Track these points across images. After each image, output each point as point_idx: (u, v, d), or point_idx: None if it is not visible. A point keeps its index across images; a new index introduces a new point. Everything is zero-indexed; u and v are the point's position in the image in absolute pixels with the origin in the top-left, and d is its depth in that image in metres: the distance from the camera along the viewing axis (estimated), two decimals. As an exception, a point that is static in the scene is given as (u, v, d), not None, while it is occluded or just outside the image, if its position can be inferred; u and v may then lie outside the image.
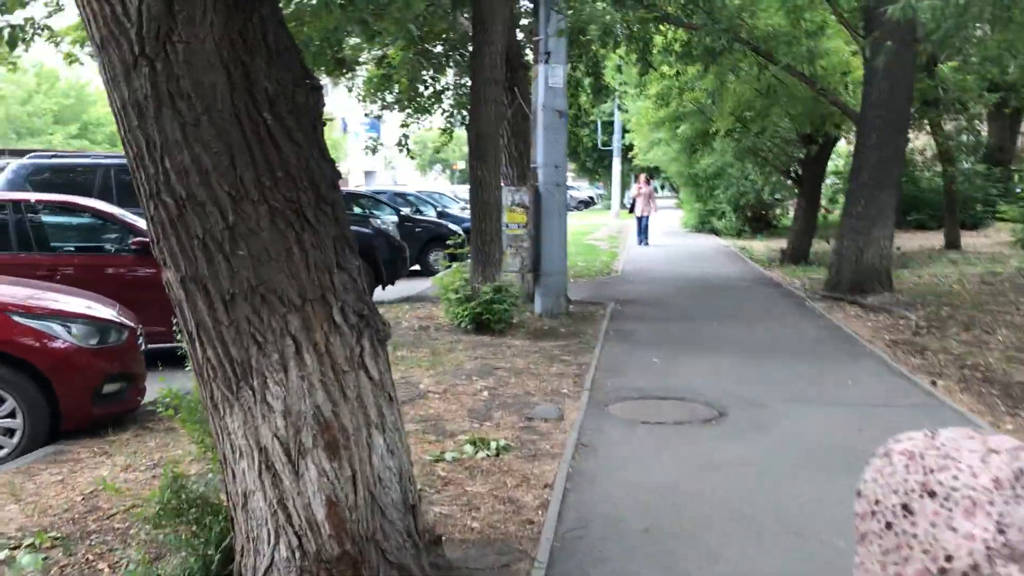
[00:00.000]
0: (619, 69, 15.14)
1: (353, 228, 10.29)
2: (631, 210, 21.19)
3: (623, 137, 36.35)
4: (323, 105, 3.10)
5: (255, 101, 2.81)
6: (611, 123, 39.43)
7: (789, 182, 20.78)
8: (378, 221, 12.35)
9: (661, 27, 13.37)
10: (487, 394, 6.27)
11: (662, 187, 65.00)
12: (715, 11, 11.21)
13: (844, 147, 22.56)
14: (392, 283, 11.87)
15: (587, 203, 56.72)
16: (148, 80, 2.74)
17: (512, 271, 10.11)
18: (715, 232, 26.15)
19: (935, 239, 22.55)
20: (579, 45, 13.07)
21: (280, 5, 8.69)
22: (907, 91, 10.84)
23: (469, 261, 9.58)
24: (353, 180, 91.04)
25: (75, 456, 4.90)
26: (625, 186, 58.50)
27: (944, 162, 19.82)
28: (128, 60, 2.75)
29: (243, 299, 2.83)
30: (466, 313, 8.85)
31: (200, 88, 2.75)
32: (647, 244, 21.15)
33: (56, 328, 5.23)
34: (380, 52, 10.88)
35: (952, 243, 19.29)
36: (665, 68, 14.72)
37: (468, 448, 4.91)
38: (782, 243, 21.88)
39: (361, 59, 10.89)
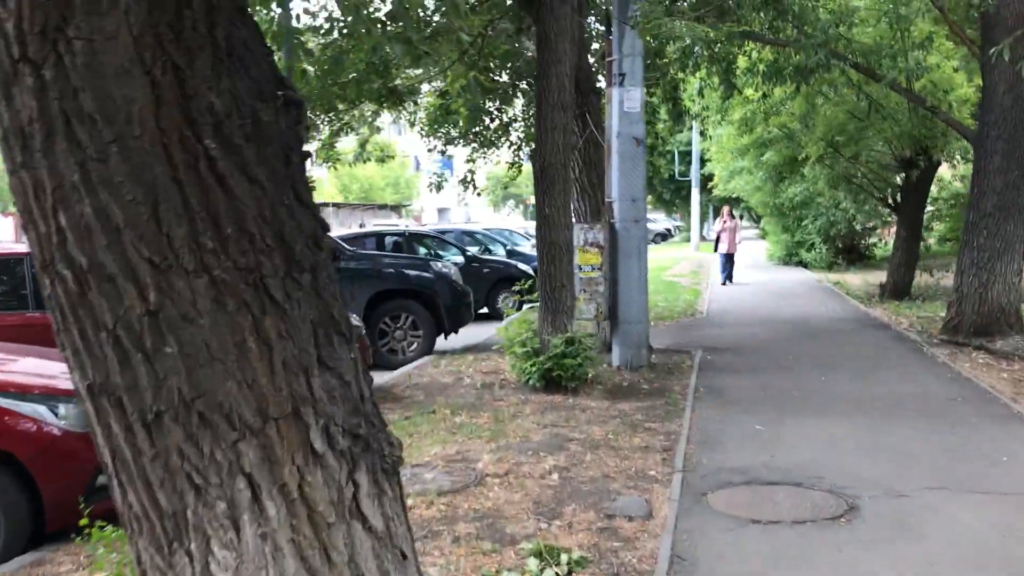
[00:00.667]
0: (700, 93, 14.04)
1: (412, 272, 9.26)
2: (716, 248, 19.47)
3: (702, 167, 35.06)
4: (303, 127, 2.14)
5: (192, 123, 1.87)
6: (688, 152, 38.21)
7: (886, 210, 19.25)
8: (438, 264, 11.44)
9: (746, 46, 12.27)
10: (557, 477, 5.21)
11: (742, 217, 63.16)
12: (808, 23, 10.06)
13: (945, 171, 20.91)
14: (455, 331, 10.94)
15: (664, 236, 55.28)
16: (33, 96, 1.83)
17: (586, 318, 9.07)
18: (804, 265, 24.59)
19: None
20: (656, 68, 12.06)
21: (319, 37, 7.83)
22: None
23: (537, 308, 8.56)
24: (427, 218, 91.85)
25: (55, 571, 4.03)
26: (704, 217, 56.90)
27: None
28: (6, 68, 1.85)
29: (173, 420, 1.87)
30: (534, 369, 7.82)
31: (108, 106, 1.82)
32: (731, 283, 19.50)
33: (41, 411, 4.40)
34: (438, 80, 10.04)
35: None
36: (750, 91, 13.57)
37: (532, 563, 3.86)
38: (880, 276, 20.27)
39: (422, 88, 10.05)
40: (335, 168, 12.52)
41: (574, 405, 7.32)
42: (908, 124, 15.00)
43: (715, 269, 23.78)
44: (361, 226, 68.65)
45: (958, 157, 15.96)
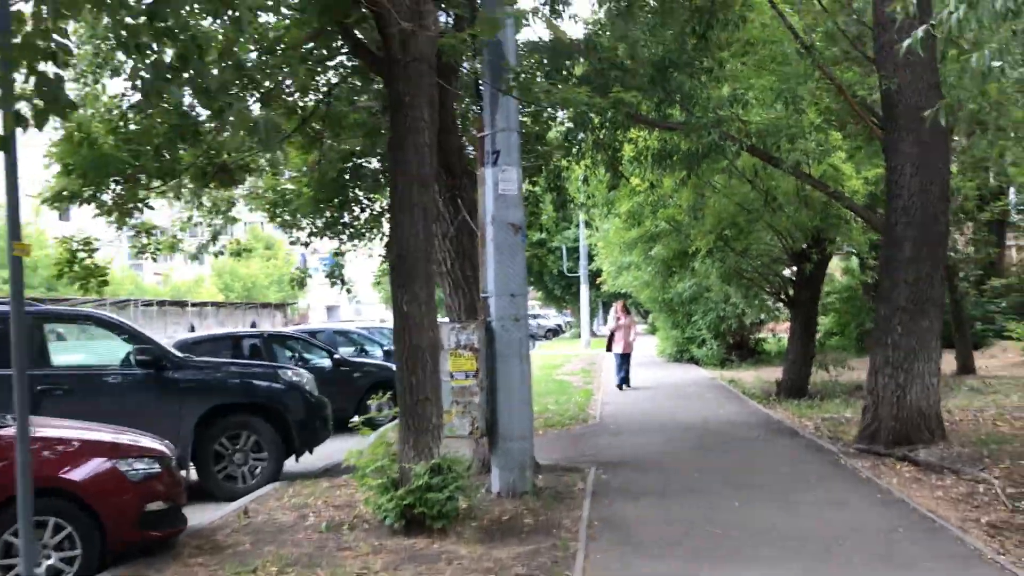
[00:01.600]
0: (585, 181, 13.12)
1: (257, 382, 7.36)
2: (609, 347, 17.02)
3: (590, 262, 34.56)
4: None
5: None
6: (577, 248, 37.78)
7: (778, 304, 18.73)
8: (290, 371, 9.73)
9: (632, 134, 11.46)
10: None
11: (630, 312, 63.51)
12: (699, 104, 9.24)
13: (836, 262, 20.78)
14: (309, 451, 9.25)
15: (556, 331, 54.58)
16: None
17: (460, 435, 7.60)
18: (695, 362, 23.88)
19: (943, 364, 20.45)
20: (538, 155, 11.04)
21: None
22: (942, 190, 8.80)
23: (397, 426, 7.03)
24: (315, 317, 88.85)
25: None
26: (593, 314, 56.69)
27: (951, 276, 17.96)
28: None
29: None
30: (392, 506, 6.25)
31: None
32: (628, 387, 16.98)
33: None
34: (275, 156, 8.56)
35: (966, 368, 17.16)
36: (636, 180, 12.76)
37: None
38: (773, 373, 19.59)
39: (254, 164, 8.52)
40: (153, 259, 10.76)
41: (440, 553, 5.77)
42: (802, 215, 14.48)
43: (608, 368, 22.76)
44: (253, 326, 65.44)
45: (851, 249, 15.50)
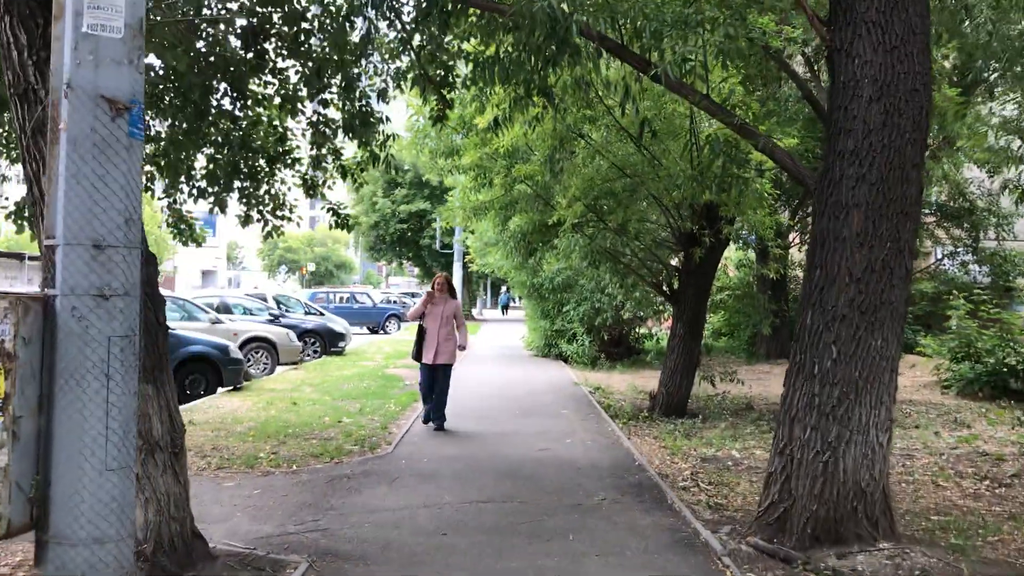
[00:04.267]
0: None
1: None
2: (417, 353, 10.50)
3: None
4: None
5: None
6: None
7: (660, 299, 15.38)
8: None
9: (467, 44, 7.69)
10: None
11: (506, 291, 58.50)
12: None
13: (730, 254, 17.59)
14: None
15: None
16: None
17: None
18: (564, 359, 20.42)
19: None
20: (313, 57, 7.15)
21: None
22: (917, 126, 5.30)
23: None
24: (185, 283, 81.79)
25: None
26: (473, 296, 52.95)
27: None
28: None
29: None
30: None
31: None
32: (441, 424, 10.31)
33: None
34: None
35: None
36: (468, 111, 9.00)
37: None
38: (650, 380, 16.28)
39: None
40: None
41: None
42: (693, 187, 11.06)
43: (470, 355, 19.03)
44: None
45: (749, 238, 12.11)
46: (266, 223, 9.87)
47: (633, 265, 13.42)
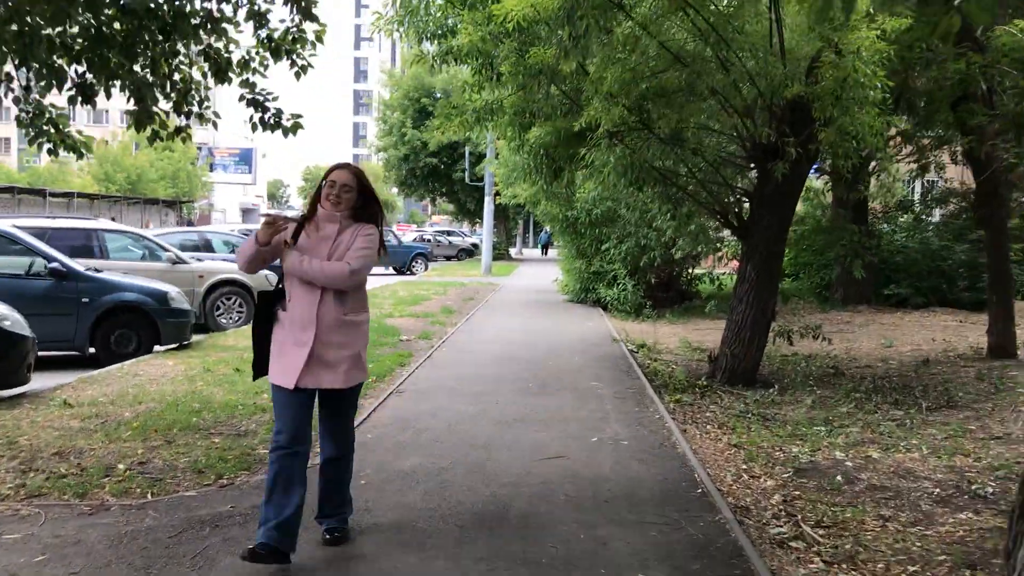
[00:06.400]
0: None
1: None
2: (258, 325, 4.16)
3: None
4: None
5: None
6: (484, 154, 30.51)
7: (723, 232, 12.16)
8: None
9: None
10: None
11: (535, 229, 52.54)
12: None
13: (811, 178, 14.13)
14: None
15: (470, 252, 47.34)
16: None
17: None
18: (603, 306, 17.30)
19: (947, 329, 14.23)
20: None
21: None
22: None
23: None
24: (221, 221, 79.79)
25: None
26: (511, 234, 49.85)
27: (983, 204, 11.52)
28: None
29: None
30: None
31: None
32: (343, 533, 4.22)
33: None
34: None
35: (1003, 349, 10.83)
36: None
37: None
38: (708, 332, 13.20)
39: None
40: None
41: None
42: (778, 70, 7.92)
43: (493, 301, 16.08)
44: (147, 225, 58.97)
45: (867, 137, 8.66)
46: (161, 125, 6.89)
47: (690, 188, 10.18)
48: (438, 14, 8.85)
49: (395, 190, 53.96)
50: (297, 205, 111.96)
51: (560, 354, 11.02)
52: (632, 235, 15.82)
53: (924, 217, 20.19)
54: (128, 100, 6.47)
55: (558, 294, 20.45)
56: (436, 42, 9.12)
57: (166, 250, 13.13)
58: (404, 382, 8.65)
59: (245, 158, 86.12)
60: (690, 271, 18.14)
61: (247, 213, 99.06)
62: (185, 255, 13.56)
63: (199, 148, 78.77)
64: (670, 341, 12.54)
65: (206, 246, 16.32)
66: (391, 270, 32.19)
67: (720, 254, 14.18)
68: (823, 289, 19.11)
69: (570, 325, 14.42)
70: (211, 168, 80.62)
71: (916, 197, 22.43)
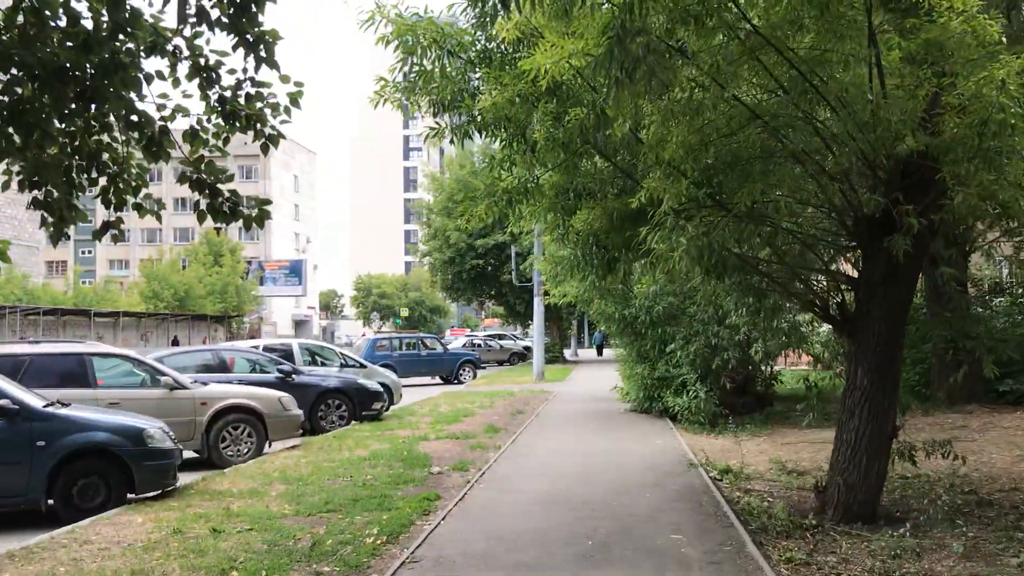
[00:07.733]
0: None
1: None
2: None
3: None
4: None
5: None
6: (531, 251, 28.74)
7: (826, 327, 10.05)
8: None
9: None
10: None
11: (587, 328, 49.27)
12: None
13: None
14: None
15: (522, 355, 45.15)
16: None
17: None
18: (672, 417, 15.03)
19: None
20: None
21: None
22: None
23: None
24: (274, 333, 79.35)
25: None
26: (565, 335, 47.77)
27: None
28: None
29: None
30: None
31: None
32: None
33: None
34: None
35: None
36: None
37: None
38: (800, 450, 10.94)
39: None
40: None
41: None
42: (892, 114, 6.00)
43: (544, 414, 13.89)
44: (175, 343, 58.68)
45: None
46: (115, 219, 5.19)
47: (776, 276, 8.15)
48: (457, 76, 7.16)
49: (442, 294, 52.65)
50: (351, 315, 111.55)
51: (626, 490, 8.83)
52: (700, 333, 13.73)
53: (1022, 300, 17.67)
54: (25, 189, 4.79)
55: (618, 402, 18.23)
56: (454, 112, 7.41)
57: (163, 374, 11.43)
58: (422, 545, 6.58)
59: (295, 270, 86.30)
60: (765, 370, 15.86)
61: (300, 325, 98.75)
62: (186, 378, 11.83)
63: (248, 263, 79.14)
64: (758, 462, 10.29)
65: (220, 366, 14.64)
66: (437, 379, 30.31)
67: (797, 348, 12.00)
68: (921, 387, 16.58)
69: (635, 444, 12.19)
70: (261, 282, 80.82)
71: (1004, 275, 19.94)
